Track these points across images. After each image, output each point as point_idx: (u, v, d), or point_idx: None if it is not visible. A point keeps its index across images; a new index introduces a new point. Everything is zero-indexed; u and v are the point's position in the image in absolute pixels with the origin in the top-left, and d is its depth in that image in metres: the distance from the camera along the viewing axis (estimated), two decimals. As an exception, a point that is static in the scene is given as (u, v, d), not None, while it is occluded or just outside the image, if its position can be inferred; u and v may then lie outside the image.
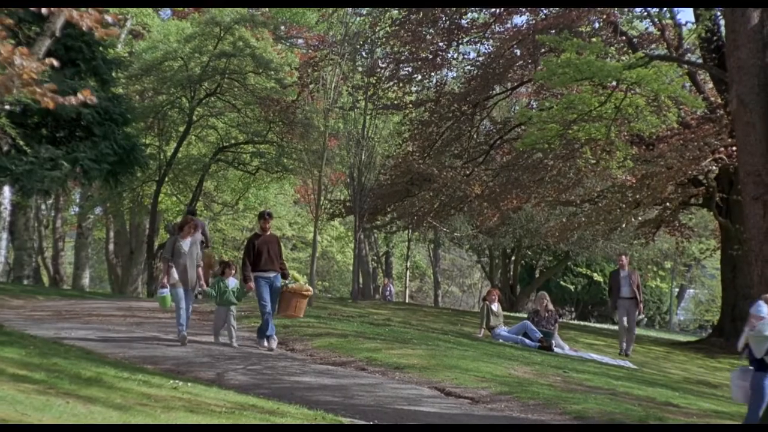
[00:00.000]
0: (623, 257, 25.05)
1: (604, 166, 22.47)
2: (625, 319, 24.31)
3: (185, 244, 17.67)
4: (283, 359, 16.59)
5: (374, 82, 31.90)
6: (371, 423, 11.86)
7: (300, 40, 46.57)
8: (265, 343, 17.90)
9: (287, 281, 18.22)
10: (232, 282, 18.23)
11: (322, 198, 32.18)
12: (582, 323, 44.47)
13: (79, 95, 8.97)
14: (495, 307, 24.42)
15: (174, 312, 17.84)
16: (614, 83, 16.62)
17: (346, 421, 11.45)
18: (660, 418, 13.27)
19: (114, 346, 16.49)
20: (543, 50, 27.43)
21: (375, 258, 64.21)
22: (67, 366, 11.66)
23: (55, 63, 9.56)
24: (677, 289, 75.07)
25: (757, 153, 12.69)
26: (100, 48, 28.21)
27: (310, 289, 19.14)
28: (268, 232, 18.46)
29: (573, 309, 60.08)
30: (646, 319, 59.04)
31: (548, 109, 19.41)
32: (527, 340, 23.04)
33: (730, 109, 14.08)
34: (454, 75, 39.26)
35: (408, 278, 64.99)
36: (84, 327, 19.16)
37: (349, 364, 16.74)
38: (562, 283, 58.76)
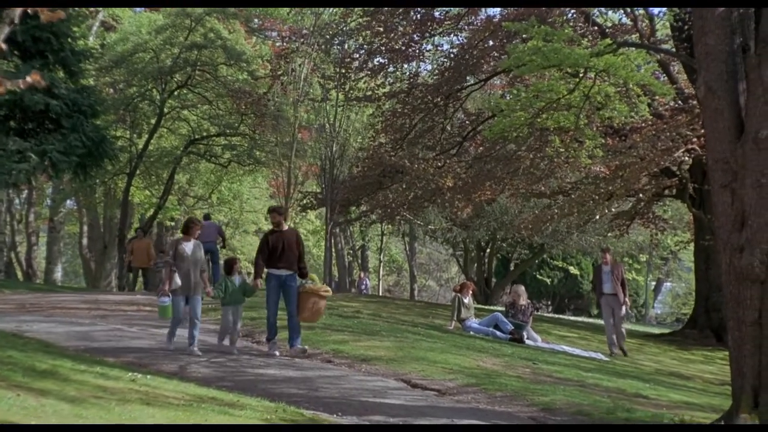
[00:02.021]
0: (606, 254, 24.46)
1: (574, 155, 22.32)
2: (611, 318, 23.86)
3: (188, 247, 16.23)
4: (248, 351, 16.34)
5: (344, 72, 31.66)
6: (334, 415, 11.69)
7: (274, 33, 46.33)
8: (276, 351, 16.50)
9: (305, 281, 16.96)
10: (238, 279, 16.93)
11: (294, 189, 31.99)
12: (557, 316, 44.40)
13: (28, 78, 8.71)
14: (467, 299, 24.27)
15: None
16: (582, 71, 16.47)
17: (309, 413, 11.27)
18: (628, 409, 13.11)
19: (75, 339, 16.26)
20: (516, 41, 27.26)
21: (351, 252, 64.09)
22: (22, 358, 11.41)
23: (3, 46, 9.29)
24: (654, 283, 75.27)
25: (725, 140, 12.51)
26: (69, 39, 27.95)
27: (329, 289, 17.63)
28: (285, 228, 17.01)
29: (549, 302, 60.10)
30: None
31: (517, 97, 19.25)
32: (498, 332, 22.89)
33: (698, 96, 13.90)
34: (428, 68, 39.11)
35: (382, 272, 64.90)
36: (46, 320, 18.92)
37: (315, 356, 16.56)
38: (538, 276, 58.76)
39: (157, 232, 53.18)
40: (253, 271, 17.49)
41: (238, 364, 15.29)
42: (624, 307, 23.58)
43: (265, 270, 16.80)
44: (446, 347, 18.45)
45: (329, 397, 12.97)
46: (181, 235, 16.71)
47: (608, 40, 15.03)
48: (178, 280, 15.98)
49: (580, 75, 17.15)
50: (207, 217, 31.08)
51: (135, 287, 32.86)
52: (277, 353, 16.39)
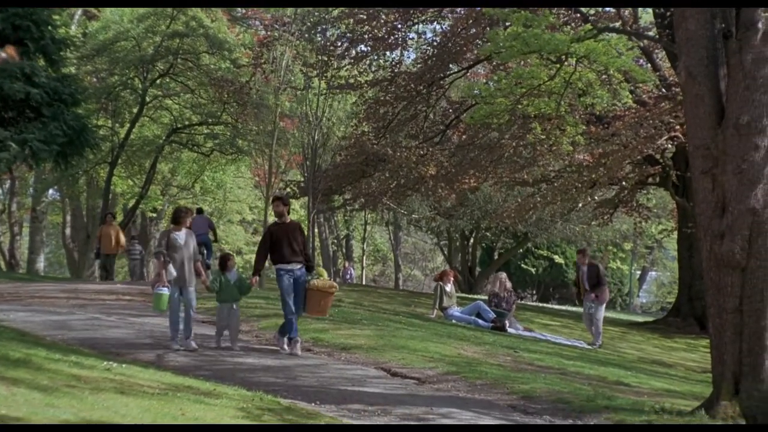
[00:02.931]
0: (582, 256, 24.23)
1: (555, 142, 22.24)
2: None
3: (180, 236, 15.49)
4: (227, 340, 16.19)
5: (327, 60, 31.51)
6: (312, 404, 11.60)
7: (257, 22, 46.13)
8: (286, 346, 15.72)
9: (311, 276, 16.22)
10: (234, 275, 16.23)
11: (277, 179, 31.85)
12: (541, 305, 44.37)
13: (2, 54, 8.62)
14: (449, 287, 24.20)
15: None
16: (563, 57, 16.37)
17: (286, 402, 11.19)
18: (609, 397, 13.06)
19: (52, 328, 16.12)
20: (500, 28, 27.12)
21: (335, 241, 64.00)
22: (-4, 347, 11.29)
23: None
24: (639, 272, 75.35)
25: (706, 126, 12.44)
26: (49, 27, 27.73)
27: (335, 285, 16.88)
28: (287, 219, 16.17)
29: (534, 291, 60.07)
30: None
31: (497, 84, 19.16)
32: (480, 321, 22.84)
33: (679, 82, 13.82)
34: (412, 56, 38.99)
35: (365, 261, 64.87)
36: (24, 309, 18.80)
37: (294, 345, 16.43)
38: (523, 265, 58.74)
39: (140, 223, 53.02)
40: (253, 266, 16.67)
41: (216, 353, 15.22)
42: (594, 303, 23.28)
43: (273, 266, 16.13)
44: (427, 336, 18.39)
45: (308, 386, 12.90)
46: (171, 225, 15.95)
47: (589, 26, 14.93)
48: (173, 271, 15.23)
49: (564, 61, 17.08)
50: (200, 211, 31.10)
51: (111, 275, 32.37)
52: (286, 348, 15.70)
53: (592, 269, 23.39)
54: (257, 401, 10.61)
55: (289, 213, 16.28)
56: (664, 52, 29.34)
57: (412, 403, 12.19)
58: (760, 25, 12.20)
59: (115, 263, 33.73)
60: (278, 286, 15.92)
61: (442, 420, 11.28)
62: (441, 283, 24.19)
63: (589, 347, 22.31)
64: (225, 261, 16.38)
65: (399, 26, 32.44)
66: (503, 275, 25.02)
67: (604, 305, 23.32)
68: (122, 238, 31.65)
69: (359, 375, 14.16)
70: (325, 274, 16.54)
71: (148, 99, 38.80)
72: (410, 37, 34.34)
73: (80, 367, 10.98)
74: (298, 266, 15.83)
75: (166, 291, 15.26)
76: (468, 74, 35.54)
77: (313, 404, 11.60)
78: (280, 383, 12.90)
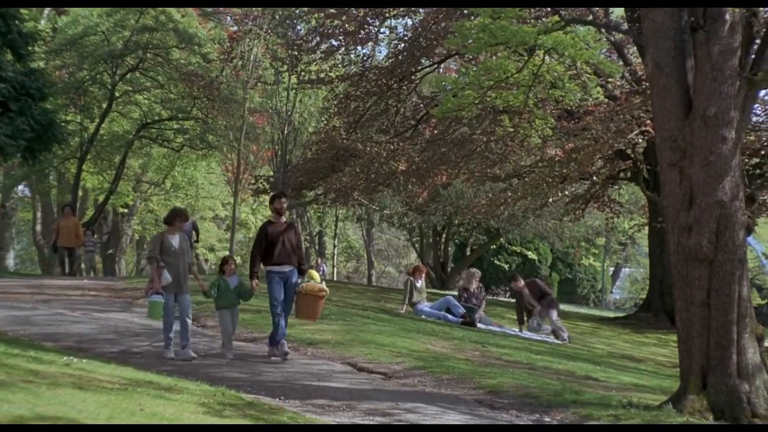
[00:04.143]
0: (513, 282, 24.46)
1: (524, 134, 22.13)
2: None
3: (174, 240, 14.73)
4: (193, 335, 16.01)
5: (297, 54, 31.35)
6: (276, 399, 11.49)
7: (228, 18, 45.97)
8: (277, 351, 15.05)
9: (302, 279, 15.47)
10: (234, 280, 15.30)
11: (245, 173, 31.69)
12: (512, 300, 44.31)
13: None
14: (419, 283, 24.11)
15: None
16: (531, 49, 16.28)
17: (250, 397, 11.08)
18: (577, 391, 13.00)
19: (14, 324, 15.97)
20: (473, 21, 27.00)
21: (308, 238, 63.83)
22: (-47, 343, 11.13)
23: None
24: (613, 269, 75.51)
25: (674, 118, 12.36)
26: (17, 21, 27.46)
27: (326, 289, 15.98)
28: (283, 219, 15.67)
29: (508, 288, 60.02)
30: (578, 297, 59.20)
31: (465, 76, 19.00)
32: (450, 316, 22.77)
33: (646, 74, 13.73)
34: (384, 52, 38.86)
35: (336, 257, 64.78)
36: (-14, 304, 18.61)
37: (260, 340, 16.39)
38: (496, 262, 58.68)
39: (112, 219, 52.74)
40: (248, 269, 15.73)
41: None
42: (536, 318, 23.39)
43: (264, 267, 15.35)
44: (395, 331, 18.31)
45: (272, 381, 12.83)
46: (165, 227, 15.16)
47: (556, 17, 14.82)
48: (168, 276, 14.39)
49: (532, 54, 16.97)
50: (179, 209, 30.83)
51: (73, 269, 32.02)
52: (287, 350, 15.00)
53: (533, 286, 23.58)
54: (219, 396, 10.48)
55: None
56: (635, 47, 29.31)
57: (377, 398, 12.10)
58: (727, 16, 12.14)
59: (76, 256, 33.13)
60: (267, 287, 15.22)
61: (408, 415, 11.16)
62: (412, 278, 24.10)
63: (559, 342, 22.28)
64: (224, 264, 15.56)
65: (370, 21, 32.28)
66: (473, 271, 24.96)
67: (553, 310, 23.37)
68: (80, 231, 31.32)
69: (325, 370, 14.07)
70: (317, 277, 15.82)
71: (117, 94, 38.59)
72: (382, 32, 34.22)
73: (39, 362, 10.83)
74: (290, 268, 15.22)
75: (160, 298, 14.34)
76: (441, 69, 35.45)
77: (277, 399, 11.51)
78: (245, 379, 12.81)
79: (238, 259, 59.03)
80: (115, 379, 10.49)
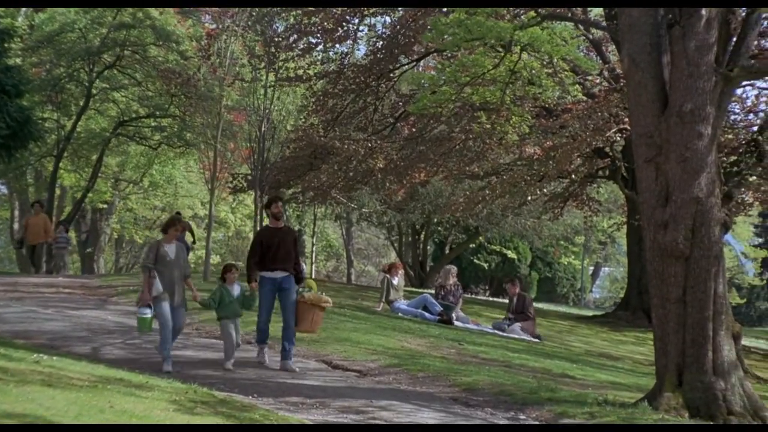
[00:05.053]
0: (509, 285, 24.53)
1: (501, 131, 22.08)
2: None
3: (171, 249, 13.96)
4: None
5: (274, 51, 31.17)
6: (249, 397, 11.41)
7: (207, 16, 45.77)
8: (266, 356, 14.56)
9: (301, 288, 14.88)
10: (237, 288, 14.49)
11: (222, 170, 31.49)
12: (491, 299, 44.29)
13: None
14: (396, 280, 24.02)
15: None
16: (507, 45, 16.20)
17: (222, 395, 11.00)
18: (552, 389, 12.95)
19: (-15, 321, 15.83)
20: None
21: (287, 236, 63.63)
22: None
23: None
24: (592, 268, 75.64)
25: (650, 114, 12.33)
26: (-9, 18, 27.35)
27: (329, 300, 15.36)
28: (282, 224, 15.02)
29: (487, 287, 60.00)
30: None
31: (441, 72, 18.91)
32: (427, 314, 22.67)
33: (622, 69, 13.69)
34: (363, 50, 38.73)
35: (315, 255, 64.64)
36: (-42, 303, 18.47)
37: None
38: (475, 261, 58.63)
39: (91, 218, 52.46)
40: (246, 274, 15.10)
41: (153, 346, 14.61)
42: (507, 322, 23.42)
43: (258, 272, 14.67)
44: (371, 328, 18.24)
45: (246, 379, 12.79)
46: (161, 235, 14.38)
47: (532, 13, 14.76)
48: (159, 286, 13.63)
49: (509, 50, 16.90)
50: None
51: (38, 266, 31.78)
52: (267, 360, 14.43)
53: (522, 299, 23.62)
54: (191, 394, 10.41)
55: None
56: (614, 45, 29.28)
57: (351, 395, 12.06)
58: (703, 12, 12.11)
59: (43, 253, 32.79)
60: (258, 293, 14.58)
61: (382, 413, 11.10)
62: (388, 275, 24.01)
63: (537, 340, 22.25)
64: (226, 272, 14.68)
65: (348, 18, 32.14)
66: (450, 268, 24.90)
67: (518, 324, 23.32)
68: (50, 228, 31.12)
69: (299, 368, 14.01)
70: (315, 286, 15.33)
71: (94, 91, 38.34)
72: (361, 30, 34.09)
73: (8, 359, 10.71)
74: (283, 275, 14.55)
75: (149, 313, 13.54)
76: (420, 67, 35.32)
77: (250, 397, 11.48)
78: (218, 376, 12.76)
79: (217, 258, 58.92)
80: (85, 376, 10.41)
